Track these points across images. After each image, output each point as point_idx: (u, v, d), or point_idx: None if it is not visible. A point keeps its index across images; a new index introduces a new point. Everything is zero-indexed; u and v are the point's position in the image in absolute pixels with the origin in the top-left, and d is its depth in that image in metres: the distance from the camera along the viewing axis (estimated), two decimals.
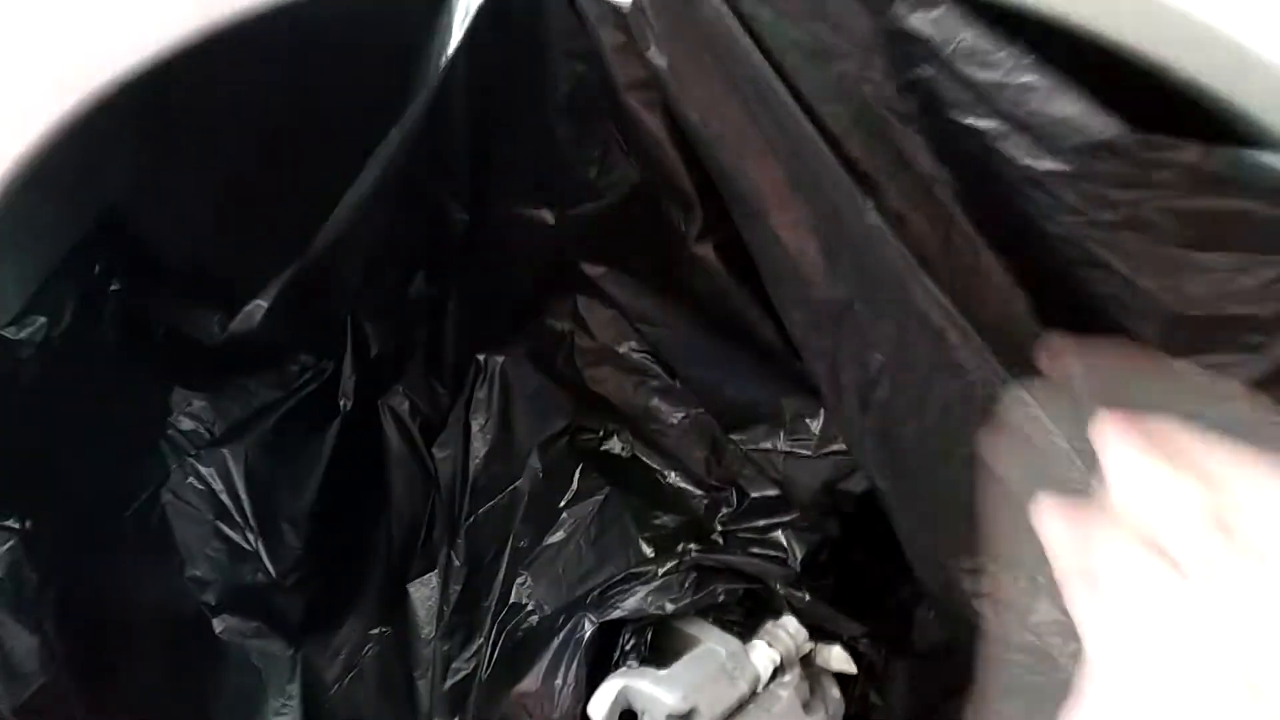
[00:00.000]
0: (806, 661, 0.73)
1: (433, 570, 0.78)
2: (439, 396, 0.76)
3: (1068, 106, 0.40)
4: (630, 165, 0.57)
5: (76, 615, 0.64)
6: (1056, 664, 0.65)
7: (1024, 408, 0.50)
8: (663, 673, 0.66)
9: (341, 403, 0.72)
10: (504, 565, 0.76)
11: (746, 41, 0.43)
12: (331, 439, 0.73)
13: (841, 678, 0.76)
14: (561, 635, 0.68)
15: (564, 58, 0.52)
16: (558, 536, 0.75)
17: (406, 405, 0.75)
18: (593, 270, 0.69)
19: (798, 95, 0.44)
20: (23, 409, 0.60)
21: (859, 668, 0.75)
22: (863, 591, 0.76)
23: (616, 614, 0.67)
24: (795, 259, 0.49)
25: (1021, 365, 0.50)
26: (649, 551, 0.71)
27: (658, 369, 0.75)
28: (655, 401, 0.76)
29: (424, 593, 0.77)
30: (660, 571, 0.69)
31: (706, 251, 0.59)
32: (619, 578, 0.70)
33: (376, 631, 0.77)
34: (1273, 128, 0.43)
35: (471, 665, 0.75)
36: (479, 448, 0.77)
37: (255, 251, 0.59)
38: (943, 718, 0.84)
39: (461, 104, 0.55)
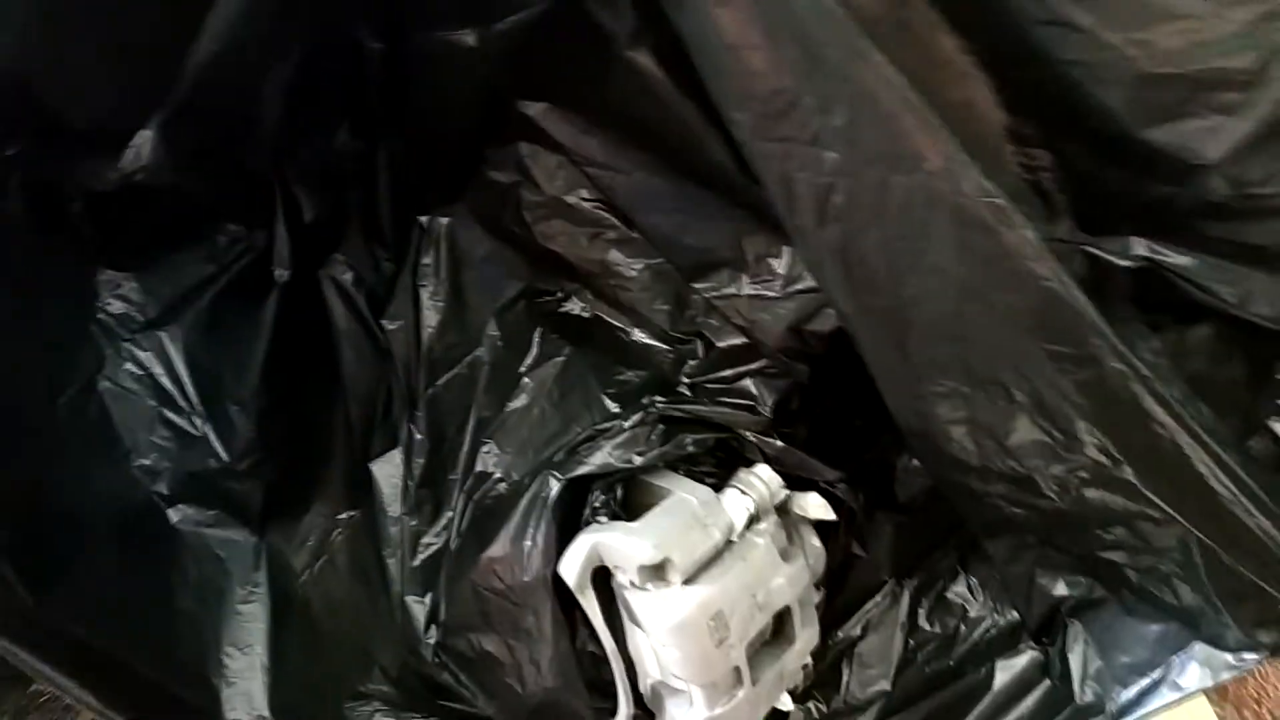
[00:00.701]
0: (783, 510, 0.70)
1: (395, 447, 0.75)
2: (383, 264, 0.72)
3: None
4: None
5: (16, 511, 0.62)
6: (1039, 490, 0.63)
7: (990, 202, 0.47)
8: (633, 525, 0.64)
9: (277, 274, 0.68)
10: (468, 436, 0.73)
11: None
12: (271, 314, 0.69)
13: (822, 528, 0.74)
14: (528, 497, 0.65)
15: None
16: (520, 402, 0.72)
17: (349, 275, 0.71)
18: (531, 108, 0.65)
19: None
20: None
21: (839, 516, 0.73)
22: (840, 441, 0.73)
23: (582, 470, 0.65)
24: (735, 46, 0.45)
25: (986, 156, 0.47)
26: (614, 407, 0.68)
27: (612, 219, 0.71)
28: (612, 254, 0.72)
29: (388, 470, 0.74)
30: (625, 425, 0.66)
31: (643, 57, 0.55)
32: (584, 436, 0.68)
33: (343, 515, 0.75)
34: None
35: (441, 539, 0.73)
36: (431, 317, 0.73)
37: (149, 96, 0.55)
38: (928, 568, 0.82)
39: None
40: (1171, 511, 0.60)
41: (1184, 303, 0.55)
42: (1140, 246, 0.53)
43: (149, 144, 0.53)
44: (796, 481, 0.70)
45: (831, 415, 0.71)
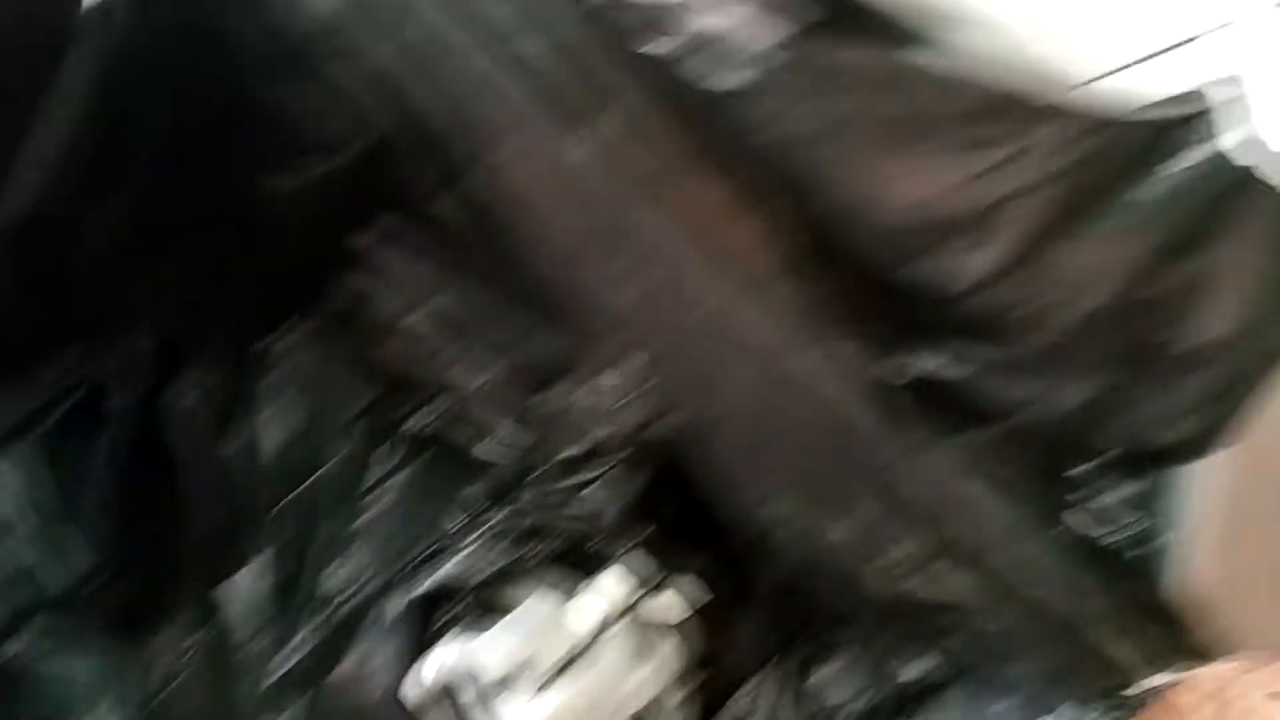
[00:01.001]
0: (637, 611, 0.73)
1: (243, 568, 0.75)
2: (225, 387, 0.73)
3: (731, 19, 0.40)
4: (348, 119, 0.55)
5: None
6: (863, 584, 0.67)
7: (773, 331, 0.51)
8: (486, 635, 0.65)
9: (115, 403, 0.69)
10: (315, 554, 0.74)
11: None
12: (113, 441, 0.70)
13: (683, 623, 0.76)
14: (375, 615, 0.66)
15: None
16: (367, 518, 0.73)
17: (190, 399, 0.72)
18: (363, 239, 0.68)
19: (487, 31, 0.43)
20: None
21: (700, 611, 0.75)
22: (696, 532, 0.76)
23: (428, 586, 0.66)
24: (524, 203, 0.49)
25: (766, 289, 0.51)
26: (460, 521, 0.70)
27: (450, 337, 0.73)
28: (452, 370, 0.74)
29: (236, 592, 0.74)
30: (472, 539, 0.68)
31: (451, 203, 0.58)
32: (431, 551, 0.69)
33: (192, 639, 0.74)
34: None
35: (292, 660, 0.73)
36: (275, 437, 0.74)
37: None
38: (790, 656, 0.85)
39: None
40: (986, 599, 0.64)
41: (970, 409, 0.60)
42: (922, 362, 0.57)
43: None
44: (649, 578, 0.72)
45: (683, 510, 0.74)
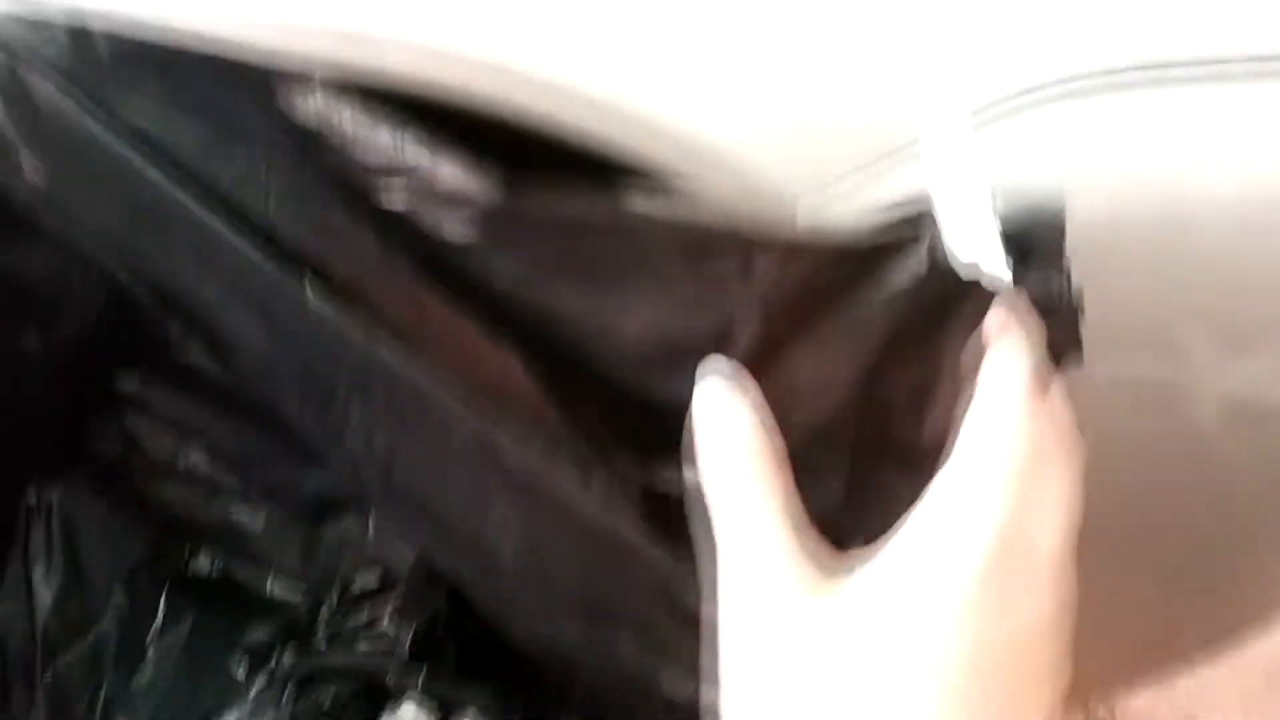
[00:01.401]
0: None
1: None
2: None
3: (449, 175, 0.41)
4: (86, 277, 0.54)
5: None
6: (656, 691, 0.67)
7: (532, 461, 0.51)
8: None
9: None
10: (93, 717, 0.69)
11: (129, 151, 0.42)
12: None
13: None
14: None
15: None
16: (145, 676, 0.69)
17: None
18: (127, 383, 0.65)
19: (211, 187, 0.43)
20: None
21: None
22: (487, 661, 0.75)
23: None
24: (258, 350, 0.48)
25: (527, 418, 0.51)
26: (241, 672, 0.67)
27: (228, 475, 0.71)
28: (234, 509, 0.72)
29: None
30: (254, 692, 0.65)
31: (200, 353, 0.57)
32: (212, 706, 0.66)
33: None
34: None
35: None
36: (45, 596, 0.70)
37: None
38: None
39: None
40: None
41: None
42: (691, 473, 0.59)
43: None
44: (449, 705, 0.71)
45: (474, 637, 0.73)
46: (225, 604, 0.71)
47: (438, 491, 0.54)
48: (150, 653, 0.69)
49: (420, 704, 0.68)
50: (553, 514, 0.53)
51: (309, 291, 0.45)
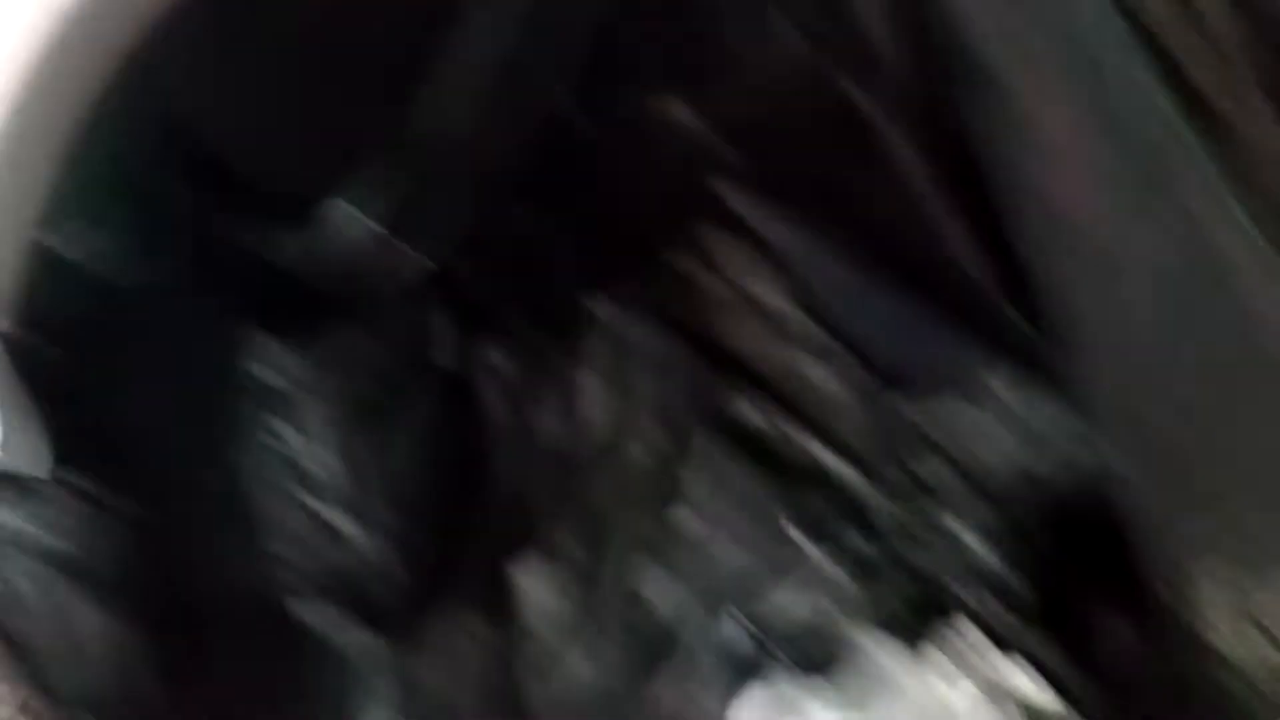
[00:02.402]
0: (987, 680, 0.60)
1: (539, 553, 0.68)
2: (541, 347, 0.65)
3: None
4: (797, 36, 0.45)
5: (147, 597, 0.57)
6: None
7: None
8: (818, 683, 0.55)
9: (437, 356, 0.62)
10: (624, 551, 0.65)
11: None
12: (428, 399, 0.63)
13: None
14: (699, 635, 0.57)
15: None
16: (686, 519, 0.64)
17: (504, 360, 0.65)
18: (724, 185, 0.57)
19: None
20: (93, 346, 0.52)
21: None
22: (1053, 601, 0.63)
23: (764, 610, 0.56)
24: (1045, 141, 0.37)
25: None
26: (799, 536, 0.59)
27: (805, 319, 0.62)
28: (802, 360, 0.63)
29: (530, 580, 0.67)
30: (815, 564, 0.57)
31: (905, 152, 0.47)
32: (764, 569, 0.59)
33: (478, 626, 0.68)
34: None
35: (589, 666, 0.65)
36: (590, 410, 0.66)
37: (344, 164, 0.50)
38: None
39: None
40: None
41: None
42: None
43: (341, 217, 0.48)
44: (1002, 645, 0.60)
45: (1051, 572, 0.61)
46: (775, 460, 0.64)
47: (1167, 378, 0.41)
48: (691, 495, 0.64)
49: (990, 646, 0.58)
50: None
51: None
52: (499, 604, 0.68)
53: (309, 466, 0.65)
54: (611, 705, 0.61)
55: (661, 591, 0.62)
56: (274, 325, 0.64)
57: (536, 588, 0.67)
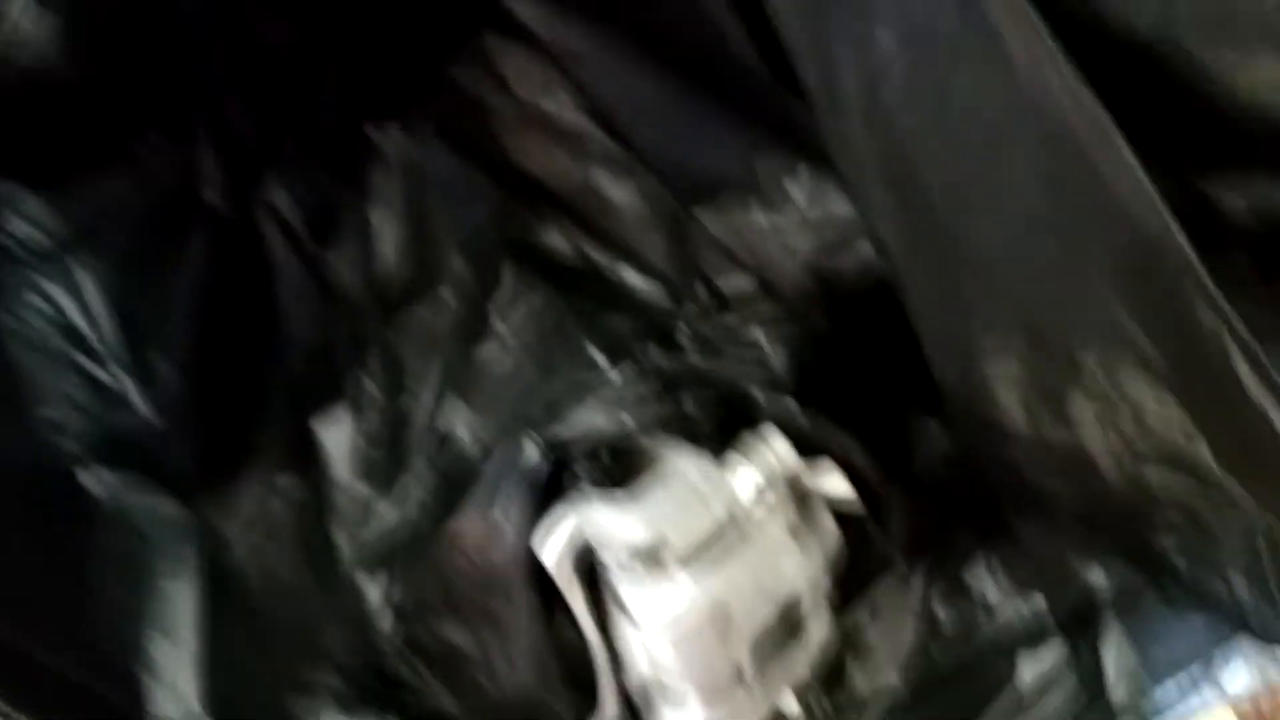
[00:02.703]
0: (794, 485, 0.61)
1: (343, 402, 0.65)
2: (326, 186, 0.61)
3: None
4: None
5: None
6: (1091, 465, 0.54)
7: (1087, 114, 0.37)
8: (621, 497, 0.54)
9: (206, 195, 0.57)
10: (430, 389, 0.63)
11: None
12: (200, 244, 0.59)
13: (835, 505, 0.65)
14: (499, 463, 0.55)
15: None
16: (491, 350, 0.62)
17: (287, 198, 0.60)
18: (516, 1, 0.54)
19: None
20: None
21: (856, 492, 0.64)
22: (854, 402, 0.64)
23: (564, 433, 0.55)
24: None
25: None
26: (600, 359, 0.58)
27: (598, 131, 0.60)
28: (597, 175, 0.61)
29: (335, 429, 0.64)
30: (615, 381, 0.56)
31: None
32: (566, 392, 0.58)
33: (284, 481, 0.65)
34: None
35: (398, 510, 0.63)
36: (385, 248, 0.63)
37: None
38: (944, 547, 0.73)
39: None
40: (1245, 495, 0.51)
41: None
42: (1261, 186, 0.43)
43: (26, 11, 0.42)
44: (808, 447, 0.61)
45: (850, 373, 0.61)
46: (578, 283, 0.62)
47: (931, 134, 0.40)
48: (495, 326, 0.62)
49: (782, 438, 0.58)
50: (1075, 197, 0.39)
51: None
52: (306, 459, 0.65)
53: (81, 326, 0.60)
54: (417, 545, 0.60)
55: (466, 424, 0.60)
56: (18, 171, 0.58)
57: (342, 439, 0.64)
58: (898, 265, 0.47)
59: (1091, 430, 0.51)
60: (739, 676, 0.55)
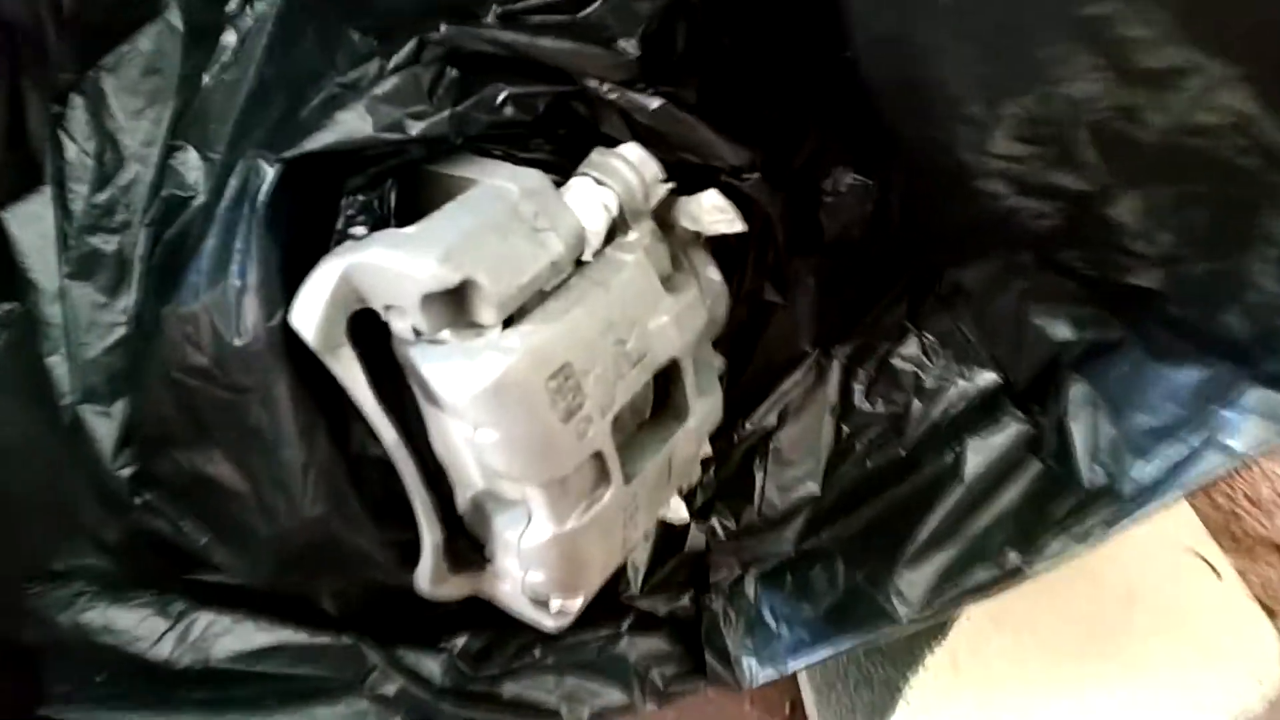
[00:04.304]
0: (663, 218, 0.45)
1: (41, 183, 0.46)
2: None
3: None
4: None
5: None
6: (1075, 153, 0.40)
7: None
8: (408, 231, 0.37)
9: None
10: (155, 141, 0.44)
11: None
12: None
13: (720, 250, 0.49)
14: (227, 203, 0.38)
15: None
16: (224, 68, 0.43)
17: None
18: None
19: None
20: None
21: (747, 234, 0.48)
22: (744, 120, 0.48)
23: (313, 144, 0.37)
24: None
25: None
26: (365, 44, 0.40)
27: None
28: None
29: (31, 218, 0.46)
30: (389, 68, 0.39)
31: None
32: (322, 96, 0.40)
33: None
34: None
35: (126, 311, 0.45)
36: None
37: None
38: (865, 328, 0.59)
39: None
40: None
41: None
42: None
43: None
44: (680, 173, 0.45)
45: (732, 70, 0.45)
46: None
47: None
48: (229, 33, 0.43)
49: (642, 151, 0.42)
50: None
51: None
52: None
53: None
54: (146, 350, 0.42)
55: (198, 173, 0.42)
56: None
57: (36, 225, 0.46)
58: None
59: (1083, 82, 0.36)
60: (601, 471, 0.40)
